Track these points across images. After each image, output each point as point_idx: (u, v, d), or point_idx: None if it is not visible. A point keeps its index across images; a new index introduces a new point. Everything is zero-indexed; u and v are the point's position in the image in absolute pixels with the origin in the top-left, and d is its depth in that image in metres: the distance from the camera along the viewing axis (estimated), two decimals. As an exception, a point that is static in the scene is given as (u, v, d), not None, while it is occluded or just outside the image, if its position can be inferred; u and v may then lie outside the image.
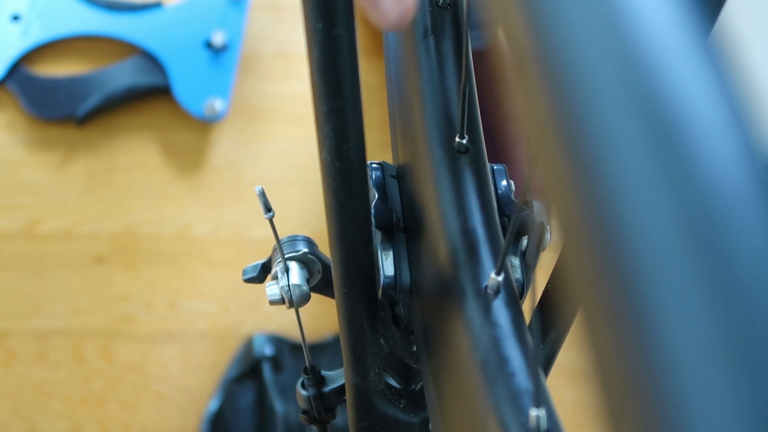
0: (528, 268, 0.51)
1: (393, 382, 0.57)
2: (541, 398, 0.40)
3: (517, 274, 0.49)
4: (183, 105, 1.21)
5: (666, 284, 0.21)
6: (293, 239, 0.57)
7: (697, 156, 0.21)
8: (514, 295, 0.46)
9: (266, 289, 0.56)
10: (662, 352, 0.20)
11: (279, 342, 1.12)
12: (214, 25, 1.25)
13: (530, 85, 0.25)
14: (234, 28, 1.25)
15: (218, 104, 1.20)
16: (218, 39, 1.23)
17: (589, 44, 0.23)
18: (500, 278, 0.45)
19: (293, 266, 0.56)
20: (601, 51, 0.23)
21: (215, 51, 1.23)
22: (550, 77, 0.24)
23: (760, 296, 0.20)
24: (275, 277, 0.56)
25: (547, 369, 0.49)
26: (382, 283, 0.50)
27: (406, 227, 0.52)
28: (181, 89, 1.22)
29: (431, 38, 0.53)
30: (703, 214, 0.21)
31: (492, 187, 0.50)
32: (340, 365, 0.56)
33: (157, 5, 1.27)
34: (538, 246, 0.51)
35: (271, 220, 0.55)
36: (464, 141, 0.50)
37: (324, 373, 0.62)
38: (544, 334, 0.50)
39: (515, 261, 0.50)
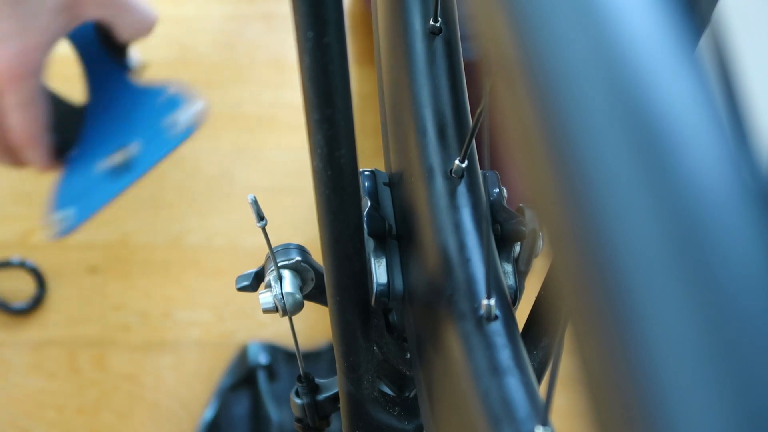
0: (521, 274, 0.51)
1: (387, 390, 0.57)
2: (539, 409, 0.40)
3: (509, 280, 0.49)
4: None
5: (651, 295, 0.21)
6: (286, 247, 0.57)
7: (682, 167, 0.21)
8: (507, 301, 0.46)
9: (259, 297, 0.56)
10: (648, 362, 0.20)
11: (274, 350, 1.12)
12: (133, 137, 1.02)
13: (516, 96, 0.25)
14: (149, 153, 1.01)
15: (62, 219, 0.98)
16: (122, 156, 0.99)
17: (573, 55, 0.23)
18: (493, 283, 0.45)
19: (286, 274, 0.56)
20: (585, 61, 0.23)
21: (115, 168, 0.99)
22: (534, 87, 0.24)
23: (746, 308, 0.20)
24: (268, 286, 0.56)
25: (540, 375, 0.49)
26: (374, 290, 0.50)
27: (398, 234, 0.52)
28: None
29: (424, 46, 0.53)
30: (687, 224, 0.21)
31: (484, 194, 0.51)
32: (335, 373, 0.56)
33: None
34: (530, 253, 0.51)
35: (263, 229, 0.55)
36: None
37: (318, 381, 0.62)
38: (537, 341, 0.50)
39: (508, 267, 0.50)
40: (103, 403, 1.11)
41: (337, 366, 0.54)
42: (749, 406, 0.19)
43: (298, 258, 0.56)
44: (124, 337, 1.14)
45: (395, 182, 0.54)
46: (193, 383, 1.12)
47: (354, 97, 0.43)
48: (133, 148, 1.00)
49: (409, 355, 0.54)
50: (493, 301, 0.44)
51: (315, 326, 1.11)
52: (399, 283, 0.50)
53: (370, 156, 1.13)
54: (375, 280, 0.50)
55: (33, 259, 1.16)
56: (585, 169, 0.22)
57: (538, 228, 0.51)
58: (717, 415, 0.19)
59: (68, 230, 0.98)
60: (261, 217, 0.54)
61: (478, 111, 0.46)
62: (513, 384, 0.42)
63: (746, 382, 0.20)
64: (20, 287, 1.14)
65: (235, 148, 1.25)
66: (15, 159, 0.92)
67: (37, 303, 1.13)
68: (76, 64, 1.00)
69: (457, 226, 0.48)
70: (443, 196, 0.49)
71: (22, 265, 1.15)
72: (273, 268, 0.56)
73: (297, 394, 0.61)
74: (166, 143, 1.01)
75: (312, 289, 0.57)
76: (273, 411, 1.07)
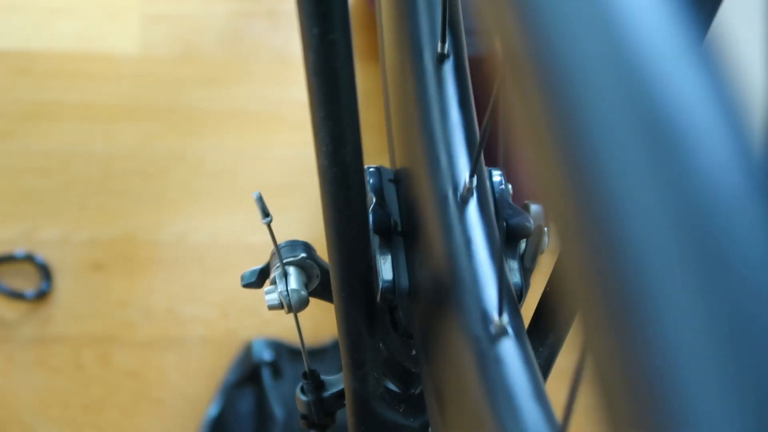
0: (526, 271, 0.51)
1: (392, 387, 0.57)
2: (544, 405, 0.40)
3: (515, 277, 0.49)
4: None
5: (661, 291, 0.21)
6: (291, 244, 0.57)
7: (692, 161, 0.21)
8: (513, 298, 0.46)
9: (265, 294, 0.56)
10: (659, 356, 0.20)
11: (278, 347, 1.11)
12: None
13: (525, 91, 0.25)
14: None
15: None
16: None
17: (583, 49, 0.23)
18: (498, 282, 0.45)
19: (292, 271, 0.56)
20: (595, 56, 0.23)
21: None
22: (544, 83, 0.24)
23: (757, 301, 0.20)
24: (274, 282, 0.56)
25: (546, 372, 0.49)
26: (380, 287, 0.50)
27: (404, 231, 0.52)
28: None
29: (427, 42, 0.53)
30: (698, 218, 0.21)
31: (490, 191, 0.50)
32: (340, 370, 0.56)
33: None
34: (536, 249, 0.51)
35: (269, 226, 0.54)
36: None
37: (323, 377, 0.62)
38: (543, 338, 0.50)
39: (513, 264, 0.49)
40: (107, 399, 1.11)
41: (343, 363, 0.54)
42: (764, 404, 0.19)
43: (304, 255, 0.56)
44: (129, 334, 1.14)
45: (400, 179, 0.54)
46: (197, 380, 1.12)
47: (358, 94, 0.43)
48: None
49: (414, 352, 0.54)
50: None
51: (320, 323, 1.11)
52: (404, 280, 0.50)
53: (375, 152, 1.13)
54: (380, 277, 0.50)
55: (38, 255, 1.16)
56: (594, 165, 0.22)
57: (543, 224, 0.51)
58: (731, 413, 0.19)
59: None
60: (266, 214, 0.54)
61: (484, 123, 0.46)
62: (519, 379, 0.42)
63: (761, 378, 0.19)
64: (27, 280, 1.14)
65: (240, 145, 1.25)
66: None
67: (43, 293, 1.13)
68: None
69: (464, 223, 0.48)
70: (449, 190, 0.49)
71: (29, 258, 1.15)
72: (278, 264, 0.56)
73: (302, 390, 0.61)
74: None
75: (317, 285, 0.57)
76: (277, 408, 1.07)
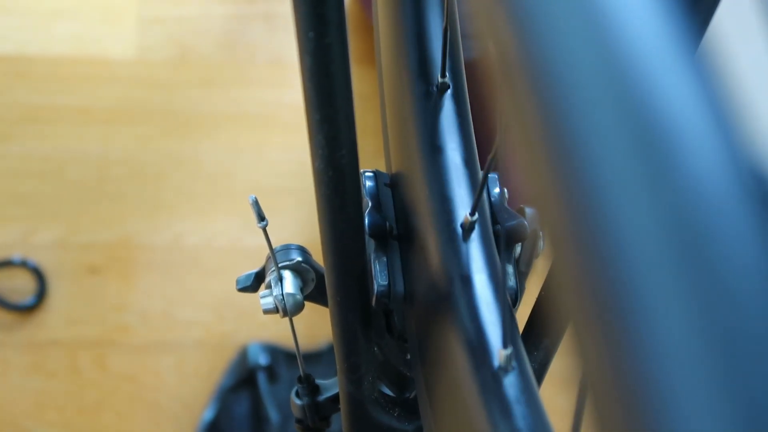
0: (521, 275, 0.51)
1: (387, 391, 0.57)
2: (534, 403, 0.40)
3: (510, 281, 0.49)
4: None
5: (651, 296, 0.21)
6: (287, 248, 0.57)
7: (683, 170, 0.21)
8: (507, 302, 0.46)
9: (260, 298, 0.56)
10: (648, 362, 0.20)
11: (274, 351, 1.11)
12: None
13: (518, 97, 0.25)
14: None
15: None
16: None
17: (576, 57, 0.23)
18: (493, 285, 0.45)
19: (287, 275, 0.56)
20: (588, 64, 0.23)
21: None
22: (537, 88, 0.24)
23: (746, 309, 0.20)
24: (269, 286, 0.56)
25: (540, 376, 0.49)
26: (375, 291, 0.50)
27: (399, 235, 0.52)
28: None
29: (423, 46, 0.53)
30: (688, 225, 0.21)
31: (486, 195, 0.50)
32: (335, 374, 0.56)
33: None
34: (531, 254, 0.51)
35: (264, 229, 0.54)
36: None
37: (318, 381, 0.62)
38: (537, 342, 0.50)
39: (509, 268, 0.49)
40: (103, 403, 1.11)
41: (338, 367, 0.54)
42: (748, 408, 0.19)
43: (299, 259, 0.56)
44: (125, 338, 1.14)
45: (396, 183, 0.54)
46: (193, 383, 1.12)
47: (354, 97, 0.43)
48: None
49: (409, 356, 0.54)
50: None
51: (316, 327, 1.11)
52: (400, 284, 0.50)
53: (370, 156, 1.13)
54: (376, 281, 0.50)
55: (34, 259, 1.16)
56: (586, 170, 0.22)
57: (539, 229, 0.51)
58: (716, 416, 0.19)
59: None
60: (262, 218, 0.54)
61: (490, 157, 0.46)
62: (513, 385, 0.42)
63: (745, 383, 0.19)
64: (21, 286, 1.14)
65: (236, 148, 1.25)
66: None
67: (39, 300, 1.13)
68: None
69: (461, 226, 0.48)
70: (446, 194, 0.49)
71: (23, 264, 1.15)
72: (273, 268, 0.56)
73: (297, 394, 0.61)
74: None
75: (312, 289, 0.57)
76: (273, 411, 1.07)
